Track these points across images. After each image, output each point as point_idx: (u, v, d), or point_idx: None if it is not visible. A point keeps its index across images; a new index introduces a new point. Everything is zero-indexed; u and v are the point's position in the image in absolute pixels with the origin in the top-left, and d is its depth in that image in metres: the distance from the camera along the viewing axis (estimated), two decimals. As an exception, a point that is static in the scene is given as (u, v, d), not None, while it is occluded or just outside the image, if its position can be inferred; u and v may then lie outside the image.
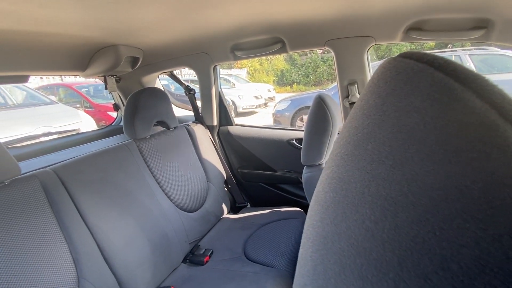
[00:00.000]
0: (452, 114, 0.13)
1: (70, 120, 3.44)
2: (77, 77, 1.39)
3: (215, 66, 1.50)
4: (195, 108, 1.66)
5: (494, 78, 3.77)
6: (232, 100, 6.46)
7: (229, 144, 1.68)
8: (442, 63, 0.15)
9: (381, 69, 0.19)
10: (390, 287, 0.12)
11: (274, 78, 10.93)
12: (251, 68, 11.01)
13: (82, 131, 2.81)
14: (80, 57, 1.13)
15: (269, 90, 7.71)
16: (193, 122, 1.60)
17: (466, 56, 3.87)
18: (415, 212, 0.13)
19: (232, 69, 9.97)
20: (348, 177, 0.17)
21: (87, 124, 3.53)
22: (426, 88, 0.14)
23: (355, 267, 0.14)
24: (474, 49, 3.96)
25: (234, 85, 7.11)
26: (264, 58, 10.08)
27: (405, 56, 0.17)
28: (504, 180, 0.11)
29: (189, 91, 1.62)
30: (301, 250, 0.21)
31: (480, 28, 0.94)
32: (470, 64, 3.84)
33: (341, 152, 0.19)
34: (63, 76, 5.40)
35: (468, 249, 0.11)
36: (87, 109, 4.43)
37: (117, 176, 1.02)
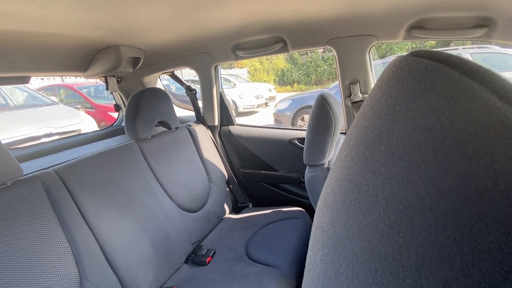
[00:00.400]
0: (470, 114, 0.12)
1: (71, 121, 3.44)
2: (78, 77, 1.39)
3: (216, 66, 1.50)
4: (196, 108, 1.66)
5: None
6: (232, 100, 6.45)
7: (230, 144, 1.68)
8: (457, 61, 0.14)
9: (392, 67, 0.18)
10: None
11: (275, 77, 10.91)
12: (251, 67, 11.00)
13: (83, 132, 2.81)
14: (81, 58, 1.13)
15: (269, 90, 7.69)
16: (195, 122, 1.60)
17: (467, 54, 3.86)
18: (433, 215, 0.12)
19: (233, 68, 9.96)
20: (359, 179, 0.16)
21: (88, 124, 3.53)
22: (442, 87, 0.14)
23: (369, 272, 0.14)
24: (475, 47, 3.95)
25: (234, 85, 7.10)
26: (264, 57, 10.07)
27: (417, 54, 0.17)
28: None
29: (190, 91, 1.62)
30: (309, 253, 0.20)
31: (483, 26, 0.94)
32: (471, 63, 3.82)
33: (351, 153, 0.18)
34: (63, 77, 5.41)
35: (490, 254, 0.10)
36: (88, 110, 4.44)
37: (119, 176, 1.02)
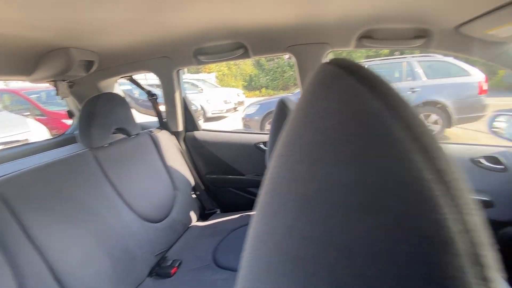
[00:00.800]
0: (357, 115, 0.14)
1: (17, 130, 3.10)
2: (26, 82, 1.26)
3: (178, 70, 1.47)
4: (158, 114, 1.60)
5: (439, 82, 4.22)
6: (201, 105, 6.35)
7: (196, 150, 1.65)
8: (355, 69, 0.16)
9: (313, 75, 0.20)
10: (305, 280, 0.13)
11: (243, 82, 11.00)
12: (219, 72, 10.96)
13: (31, 141, 2.55)
14: (25, 61, 1.03)
15: (238, 95, 7.73)
16: (157, 128, 1.54)
17: (415, 62, 4.29)
18: (326, 208, 0.13)
19: (200, 73, 9.83)
20: (278, 178, 0.17)
21: (38, 133, 3.21)
22: (340, 92, 0.15)
23: (278, 264, 0.15)
24: (422, 56, 4.41)
25: (202, 90, 7.01)
26: (232, 62, 10.10)
27: (330, 62, 0.19)
28: (391, 174, 0.12)
29: (151, 96, 1.56)
30: (243, 254, 0.21)
31: (421, 37, 1.05)
32: (419, 70, 4.26)
33: (277, 154, 0.19)
34: (7, 81, 4.87)
35: (364, 239, 0.12)
36: (38, 117, 4.04)
37: (71, 188, 0.95)
